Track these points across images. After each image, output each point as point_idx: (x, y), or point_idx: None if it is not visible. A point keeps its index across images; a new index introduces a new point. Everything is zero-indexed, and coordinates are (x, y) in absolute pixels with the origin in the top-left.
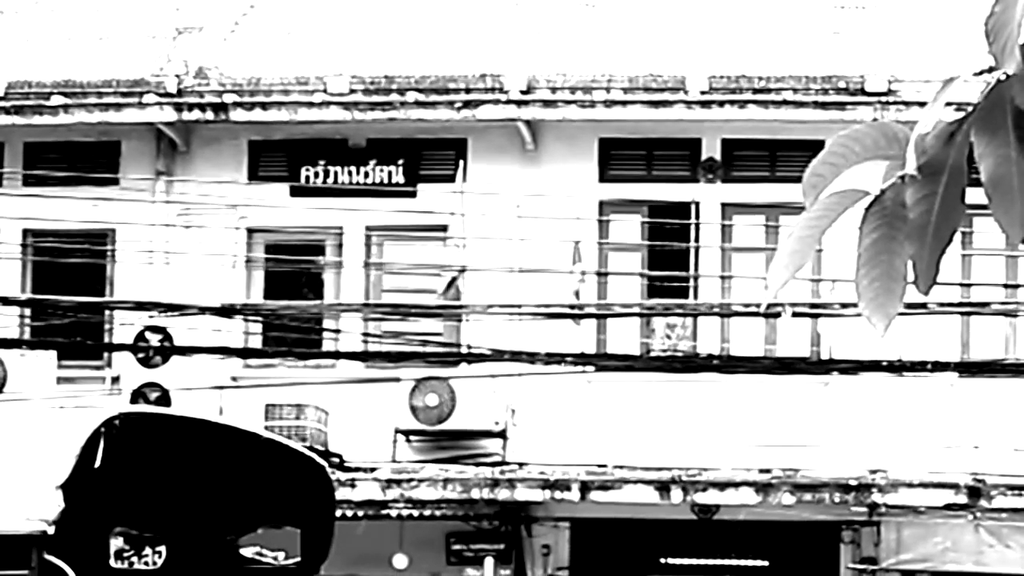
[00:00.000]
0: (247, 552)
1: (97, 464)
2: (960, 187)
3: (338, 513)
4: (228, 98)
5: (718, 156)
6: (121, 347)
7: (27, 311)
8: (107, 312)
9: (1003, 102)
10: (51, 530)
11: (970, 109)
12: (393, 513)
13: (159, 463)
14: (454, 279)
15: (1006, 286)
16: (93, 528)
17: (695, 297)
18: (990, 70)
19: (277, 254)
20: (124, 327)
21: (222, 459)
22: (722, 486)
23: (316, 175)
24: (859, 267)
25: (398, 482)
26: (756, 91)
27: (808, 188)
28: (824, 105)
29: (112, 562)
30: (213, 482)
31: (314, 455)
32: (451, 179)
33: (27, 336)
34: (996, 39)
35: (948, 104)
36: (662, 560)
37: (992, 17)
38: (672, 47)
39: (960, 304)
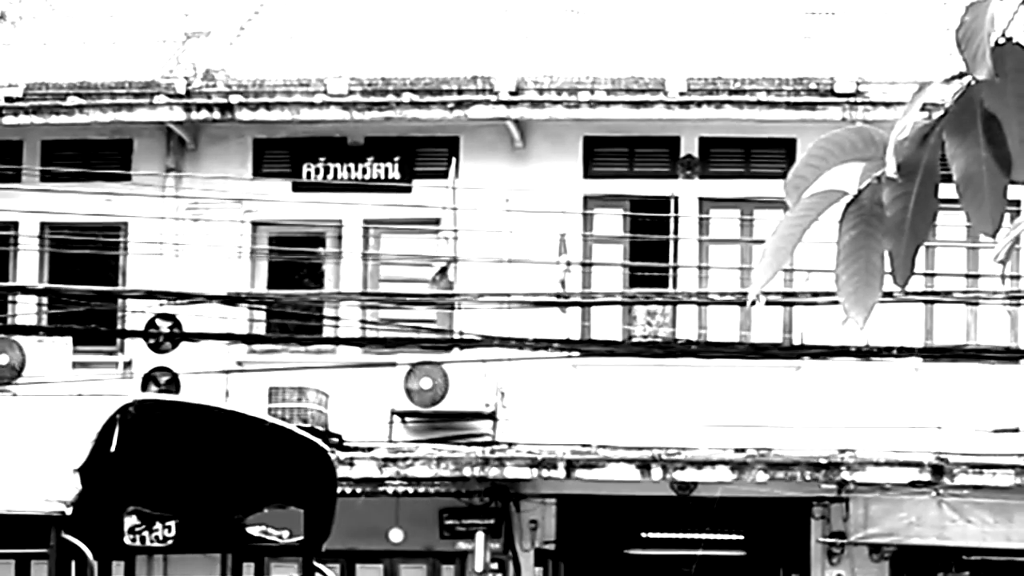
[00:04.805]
0: (253, 530)
1: (113, 448)
2: (933, 185)
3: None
4: (234, 99)
5: (696, 153)
6: (133, 333)
7: (44, 300)
8: (120, 300)
9: (973, 105)
10: (69, 511)
11: (942, 112)
12: (389, 490)
13: (171, 447)
14: (445, 268)
15: (968, 276)
16: (108, 509)
17: (674, 286)
18: (960, 75)
19: (280, 246)
20: (136, 315)
21: (230, 443)
22: (700, 464)
23: (317, 171)
24: (838, 263)
25: (394, 461)
26: (732, 92)
27: (791, 189)
28: (796, 105)
29: (126, 540)
30: (221, 465)
31: (317, 439)
32: (444, 175)
33: (44, 323)
34: (967, 47)
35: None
36: (643, 534)
37: (962, 26)
38: (652, 51)
39: (924, 293)
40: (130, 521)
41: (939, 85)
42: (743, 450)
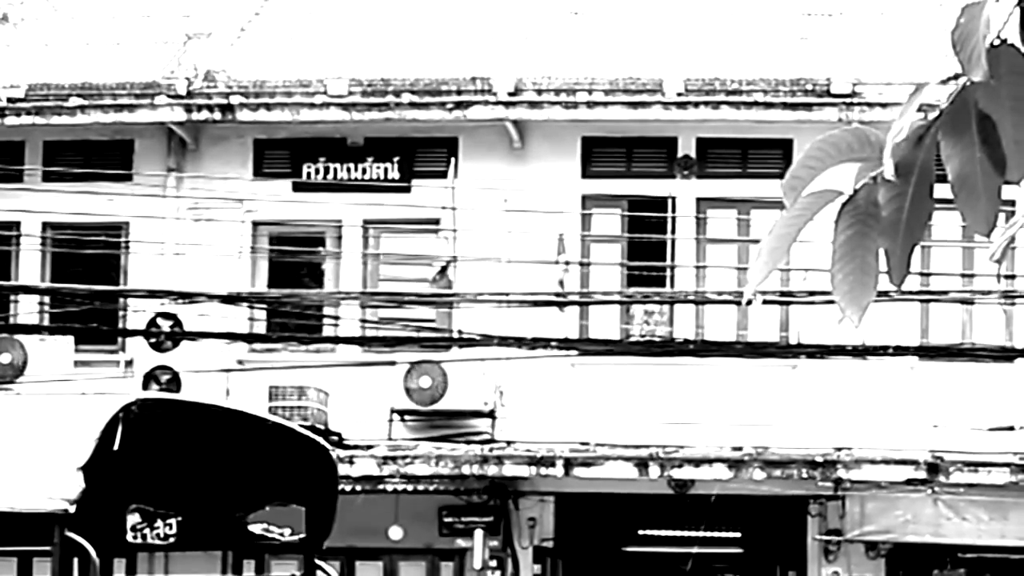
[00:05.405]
0: (255, 528)
1: (116, 447)
2: (929, 185)
3: None
4: (235, 99)
5: (693, 154)
6: (134, 332)
7: (46, 299)
8: (121, 300)
9: (968, 106)
10: (72, 509)
11: (937, 113)
12: (389, 488)
13: (173, 446)
14: (445, 267)
15: (963, 275)
16: (111, 506)
17: (672, 286)
18: (956, 77)
19: (280, 245)
20: (137, 314)
21: (232, 442)
22: (697, 462)
23: (317, 172)
24: (834, 262)
25: (394, 459)
26: (729, 93)
27: (788, 190)
28: (792, 106)
29: (128, 538)
30: (223, 463)
31: (319, 438)
32: (443, 175)
33: (46, 322)
34: (963, 48)
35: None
36: (640, 532)
37: (958, 28)
38: (650, 52)
39: (920, 292)
40: (132, 519)
41: (935, 86)
42: (740, 448)
